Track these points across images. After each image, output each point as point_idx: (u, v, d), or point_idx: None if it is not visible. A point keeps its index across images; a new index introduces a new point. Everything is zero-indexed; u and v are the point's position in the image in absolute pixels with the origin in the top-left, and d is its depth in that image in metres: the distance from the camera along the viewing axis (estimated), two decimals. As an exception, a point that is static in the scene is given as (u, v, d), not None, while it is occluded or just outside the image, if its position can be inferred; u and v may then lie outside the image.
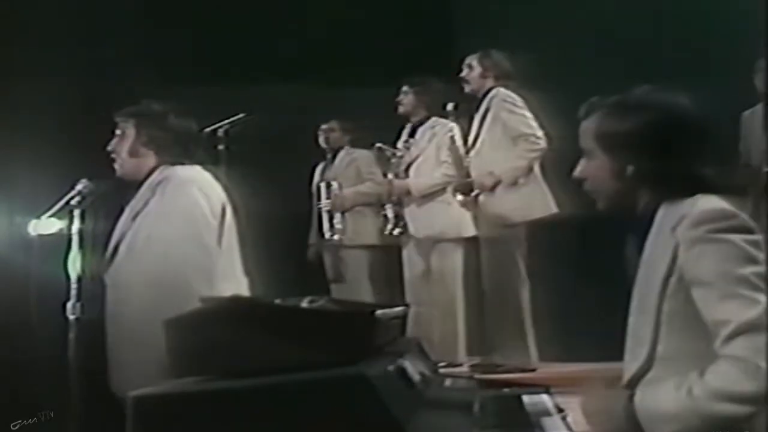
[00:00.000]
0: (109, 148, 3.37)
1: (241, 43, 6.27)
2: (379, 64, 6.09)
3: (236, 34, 6.27)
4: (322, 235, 5.80)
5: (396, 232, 5.25)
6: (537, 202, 5.01)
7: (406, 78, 5.42)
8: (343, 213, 5.74)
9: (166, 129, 3.32)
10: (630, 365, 1.96)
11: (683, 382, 1.81)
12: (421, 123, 5.41)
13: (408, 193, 5.26)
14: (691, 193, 1.91)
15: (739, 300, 1.77)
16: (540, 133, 4.93)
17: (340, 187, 5.75)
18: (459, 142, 5.16)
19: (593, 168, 2.05)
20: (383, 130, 5.52)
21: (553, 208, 4.98)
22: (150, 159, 3.32)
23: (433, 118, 5.35)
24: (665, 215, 1.94)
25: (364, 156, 5.86)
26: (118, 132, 3.37)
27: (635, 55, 5.44)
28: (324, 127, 5.96)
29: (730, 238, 1.82)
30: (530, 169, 4.98)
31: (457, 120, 5.14)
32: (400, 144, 5.43)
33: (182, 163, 3.32)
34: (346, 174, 5.87)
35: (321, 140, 5.98)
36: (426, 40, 6.31)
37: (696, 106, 2.03)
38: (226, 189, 3.37)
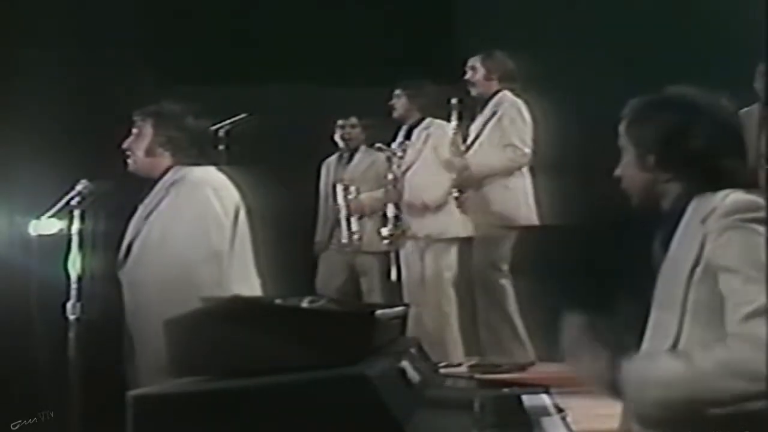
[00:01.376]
0: (125, 145, 3.39)
1: (242, 43, 6.27)
2: (380, 64, 6.09)
3: (236, 34, 6.27)
4: (330, 238, 5.79)
5: (395, 231, 5.22)
6: (520, 209, 5.05)
7: (399, 81, 5.40)
8: (360, 217, 5.67)
9: (183, 129, 3.35)
10: None
11: (680, 353, 1.83)
12: (415, 125, 5.39)
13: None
14: (720, 185, 1.95)
15: (763, 285, 1.77)
16: (527, 150, 5.01)
17: (358, 191, 5.66)
18: (457, 140, 5.19)
19: (625, 162, 2.12)
20: (395, 128, 5.50)
21: (533, 220, 5.03)
22: (165, 159, 3.34)
23: (428, 119, 5.34)
24: (696, 209, 1.97)
25: (383, 159, 5.74)
26: (134, 130, 3.39)
27: (636, 56, 5.45)
28: (341, 122, 5.86)
29: (758, 229, 1.84)
30: (504, 175, 5.02)
31: (458, 116, 5.14)
32: (395, 145, 5.40)
33: (197, 164, 3.34)
34: (366, 176, 5.76)
35: (337, 136, 5.88)
36: (427, 40, 6.30)
37: (728, 105, 2.08)
38: (240, 189, 3.38)
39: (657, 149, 2.03)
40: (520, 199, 5.10)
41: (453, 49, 6.10)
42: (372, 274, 5.69)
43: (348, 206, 5.60)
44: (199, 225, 3.17)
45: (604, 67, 5.38)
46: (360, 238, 5.56)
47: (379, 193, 5.64)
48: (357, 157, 5.86)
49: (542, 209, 5.13)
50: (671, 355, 1.85)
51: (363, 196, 5.65)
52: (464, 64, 5.26)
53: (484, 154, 5.10)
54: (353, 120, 5.83)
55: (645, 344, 2.01)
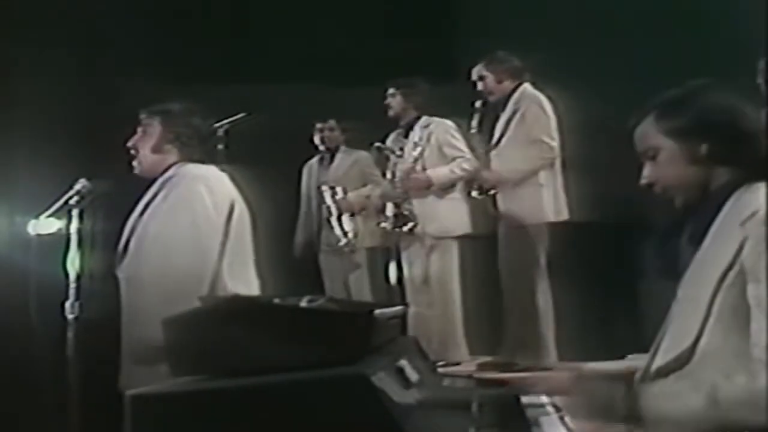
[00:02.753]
0: (130, 144, 3.38)
1: (240, 42, 6.28)
2: (379, 63, 6.09)
3: (235, 33, 6.27)
4: (319, 240, 5.78)
5: (398, 229, 5.20)
6: (551, 205, 5.05)
7: (392, 80, 5.41)
8: (352, 215, 5.72)
9: (191, 127, 3.35)
10: (666, 353, 1.92)
11: (701, 384, 1.77)
12: (412, 123, 5.39)
13: (429, 185, 5.19)
14: (763, 176, 1.89)
15: None
16: (554, 143, 5.00)
17: (345, 191, 5.71)
18: (459, 137, 5.20)
19: (663, 163, 2.01)
20: (382, 129, 5.51)
21: (565, 214, 5.04)
22: (171, 156, 3.35)
23: (425, 117, 5.34)
24: (734, 208, 1.91)
25: (365, 157, 5.82)
26: (140, 129, 3.38)
27: (635, 55, 5.45)
28: (320, 125, 5.91)
29: None
30: (534, 173, 5.02)
31: (482, 118, 5.15)
32: (409, 144, 5.41)
33: (200, 161, 3.34)
34: (350, 176, 5.82)
35: (317, 139, 5.94)
36: (425, 39, 6.31)
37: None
38: (239, 189, 3.39)
39: (709, 136, 1.95)
40: (552, 195, 5.08)
41: (450, 47, 6.11)
42: (361, 271, 5.73)
43: (338, 207, 5.64)
44: (189, 222, 3.17)
45: (605, 65, 5.38)
46: (355, 236, 5.62)
47: (366, 191, 5.73)
48: (338, 157, 5.91)
49: (572, 205, 5.14)
50: (691, 386, 1.78)
51: (351, 195, 5.70)
52: (469, 74, 5.24)
53: (511, 157, 5.09)
54: (332, 122, 5.89)
55: (665, 342, 1.97)
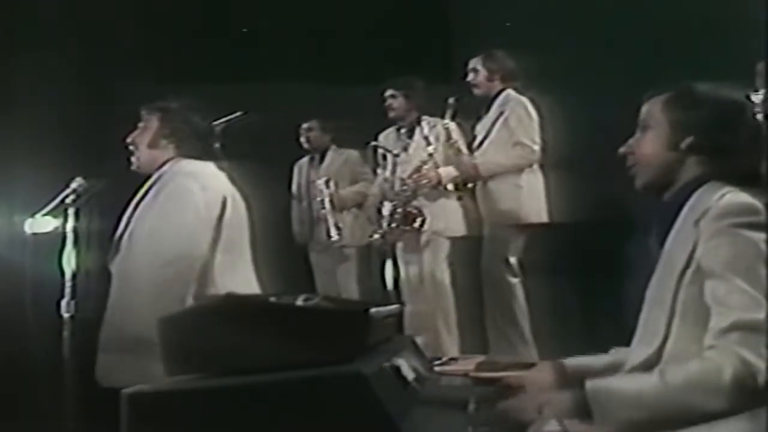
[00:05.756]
0: (129, 139, 3.40)
1: (238, 41, 6.27)
2: (377, 63, 6.09)
3: (233, 32, 6.27)
4: (328, 236, 5.78)
5: (405, 227, 5.19)
6: (532, 207, 5.07)
7: (391, 81, 5.39)
8: (341, 211, 5.75)
9: (189, 123, 3.36)
10: (636, 355, 1.93)
11: (654, 370, 1.78)
12: (415, 123, 5.37)
13: (438, 183, 5.17)
14: (734, 175, 1.91)
15: (747, 297, 1.75)
16: (536, 147, 5.03)
17: (337, 186, 5.74)
18: (456, 137, 5.20)
19: (648, 138, 2.06)
20: (369, 129, 5.49)
21: (544, 217, 5.05)
22: (168, 151, 3.36)
23: (429, 118, 5.33)
24: (692, 207, 1.93)
25: (355, 156, 5.86)
26: (141, 124, 3.40)
27: (633, 56, 5.45)
28: (304, 126, 5.97)
29: (751, 236, 1.80)
30: (513, 171, 5.03)
31: (455, 113, 5.15)
32: (392, 144, 5.40)
33: (197, 158, 3.34)
34: (341, 174, 5.86)
35: (303, 140, 5.99)
36: (423, 38, 6.31)
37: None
38: (237, 187, 3.38)
39: (699, 133, 1.98)
40: (531, 197, 5.11)
41: (450, 47, 6.11)
42: (351, 269, 5.72)
43: (331, 201, 5.64)
44: (178, 216, 3.16)
45: (601, 66, 5.38)
46: (339, 232, 5.64)
47: (357, 187, 5.72)
48: (329, 155, 5.96)
49: (552, 206, 5.15)
50: (644, 372, 1.80)
51: (342, 191, 5.73)
52: (465, 65, 5.26)
53: (492, 153, 5.12)
54: (314, 123, 5.93)
55: (634, 343, 1.98)
